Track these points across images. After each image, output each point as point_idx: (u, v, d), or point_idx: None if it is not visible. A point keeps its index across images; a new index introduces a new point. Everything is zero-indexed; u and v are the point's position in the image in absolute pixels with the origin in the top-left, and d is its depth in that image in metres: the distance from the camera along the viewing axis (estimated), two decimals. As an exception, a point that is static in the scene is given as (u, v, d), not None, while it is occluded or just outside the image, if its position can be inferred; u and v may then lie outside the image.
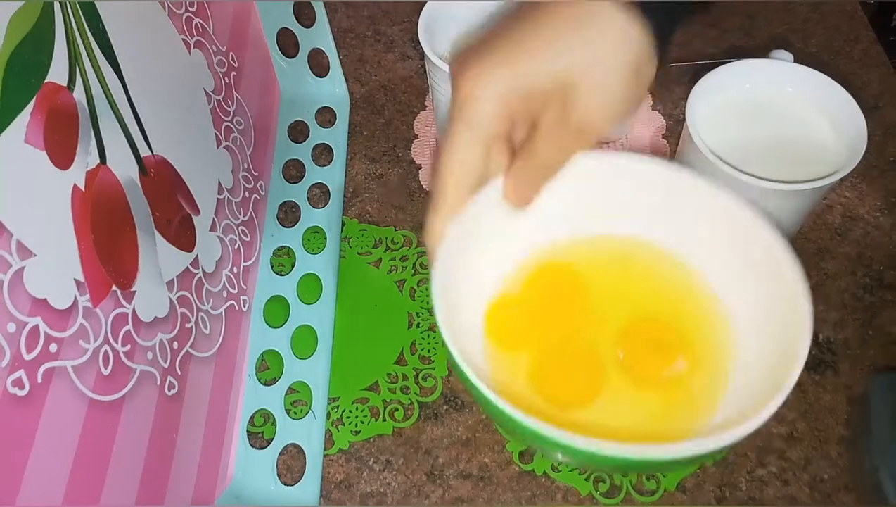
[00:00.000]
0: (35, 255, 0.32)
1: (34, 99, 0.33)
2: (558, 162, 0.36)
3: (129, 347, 0.39)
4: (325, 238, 0.60)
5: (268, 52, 0.65)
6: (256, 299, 0.57)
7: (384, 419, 0.53)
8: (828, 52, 0.68)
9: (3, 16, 0.31)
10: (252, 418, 0.52)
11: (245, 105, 0.59)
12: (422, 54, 0.54)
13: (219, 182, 0.52)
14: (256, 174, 0.60)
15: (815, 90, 0.51)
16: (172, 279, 0.44)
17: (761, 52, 0.54)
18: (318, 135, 0.66)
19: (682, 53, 0.67)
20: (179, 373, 0.44)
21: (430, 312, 0.56)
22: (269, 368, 0.55)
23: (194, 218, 0.48)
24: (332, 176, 0.64)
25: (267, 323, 0.56)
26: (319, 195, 0.63)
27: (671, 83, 0.66)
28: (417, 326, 0.56)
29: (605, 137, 0.62)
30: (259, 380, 0.54)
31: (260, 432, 0.52)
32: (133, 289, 0.40)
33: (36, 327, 0.32)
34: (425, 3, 0.55)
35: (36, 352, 0.32)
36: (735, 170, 0.46)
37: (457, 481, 0.50)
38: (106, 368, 0.37)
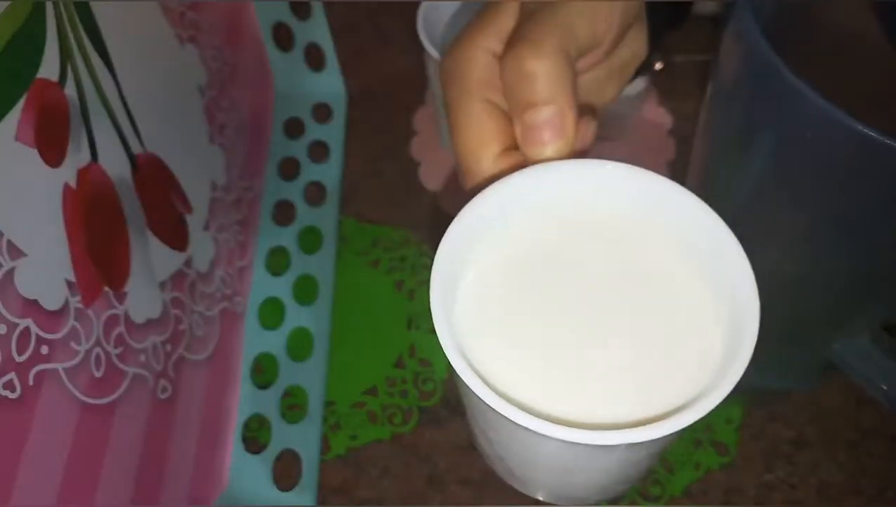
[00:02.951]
0: (26, 255, 0.31)
1: (25, 95, 0.32)
2: None
3: (121, 349, 0.38)
4: (322, 237, 0.60)
5: (263, 47, 0.65)
6: (251, 301, 0.56)
7: (382, 424, 0.52)
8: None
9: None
10: (247, 422, 0.52)
11: (239, 101, 0.58)
12: (421, 48, 0.53)
13: (212, 180, 0.52)
14: (251, 172, 0.59)
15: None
16: (165, 280, 0.44)
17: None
18: (314, 131, 0.66)
19: (688, 47, 0.66)
20: (173, 376, 0.44)
21: (430, 312, 0.55)
22: (264, 371, 0.54)
23: (187, 217, 0.48)
24: (329, 173, 0.63)
25: (262, 325, 0.55)
26: (316, 193, 0.62)
27: (678, 79, 0.65)
28: (417, 328, 0.55)
29: (612, 136, 0.62)
30: (254, 383, 0.53)
31: (255, 436, 0.52)
32: (125, 290, 0.39)
33: (27, 329, 0.31)
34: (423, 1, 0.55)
35: (27, 354, 0.31)
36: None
37: (457, 487, 0.49)
38: (98, 370, 0.36)
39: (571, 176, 0.29)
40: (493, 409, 0.24)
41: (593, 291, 0.28)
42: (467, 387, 0.25)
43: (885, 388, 0.37)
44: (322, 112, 0.67)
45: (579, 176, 0.29)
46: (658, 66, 0.60)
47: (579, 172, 0.29)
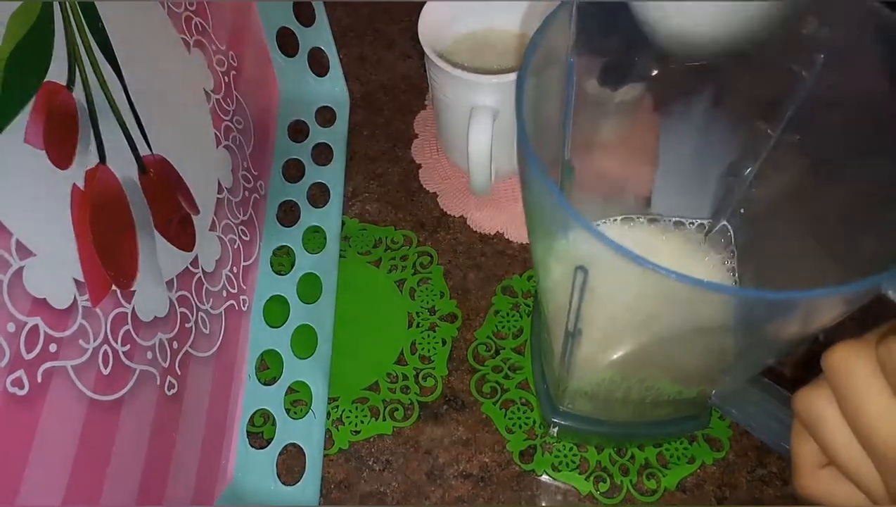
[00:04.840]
0: (35, 254, 0.32)
1: (34, 98, 0.33)
2: None
3: (128, 346, 0.39)
4: (325, 238, 0.60)
5: (267, 52, 0.65)
6: (256, 299, 0.57)
7: (384, 419, 0.53)
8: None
9: (2, 15, 0.31)
10: (252, 417, 0.52)
11: (245, 104, 0.59)
12: (422, 53, 0.53)
13: (218, 182, 0.52)
14: (256, 174, 0.60)
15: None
16: (172, 279, 0.44)
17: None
18: (317, 134, 0.66)
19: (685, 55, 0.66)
20: (179, 373, 0.44)
21: (430, 311, 0.56)
22: (268, 367, 0.55)
23: (194, 218, 0.48)
24: (332, 175, 0.64)
25: (267, 323, 0.56)
26: (319, 195, 0.63)
27: (672, 85, 0.65)
28: (417, 326, 0.56)
29: (607, 141, 0.62)
30: (259, 380, 0.54)
31: (260, 431, 0.52)
32: (133, 289, 0.40)
33: (36, 327, 0.32)
34: (425, 1, 0.55)
35: (36, 352, 0.32)
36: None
37: (457, 481, 0.50)
38: (106, 367, 0.37)
39: None
40: None
41: None
42: None
43: (753, 425, 0.38)
44: (325, 115, 0.67)
45: None
46: (654, 72, 0.60)
47: None
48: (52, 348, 0.33)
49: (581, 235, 0.26)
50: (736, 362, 0.36)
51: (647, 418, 0.46)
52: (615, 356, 0.37)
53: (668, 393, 0.41)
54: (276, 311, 0.57)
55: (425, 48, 0.53)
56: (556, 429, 0.48)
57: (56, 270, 0.33)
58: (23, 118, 0.32)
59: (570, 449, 0.50)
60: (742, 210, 0.48)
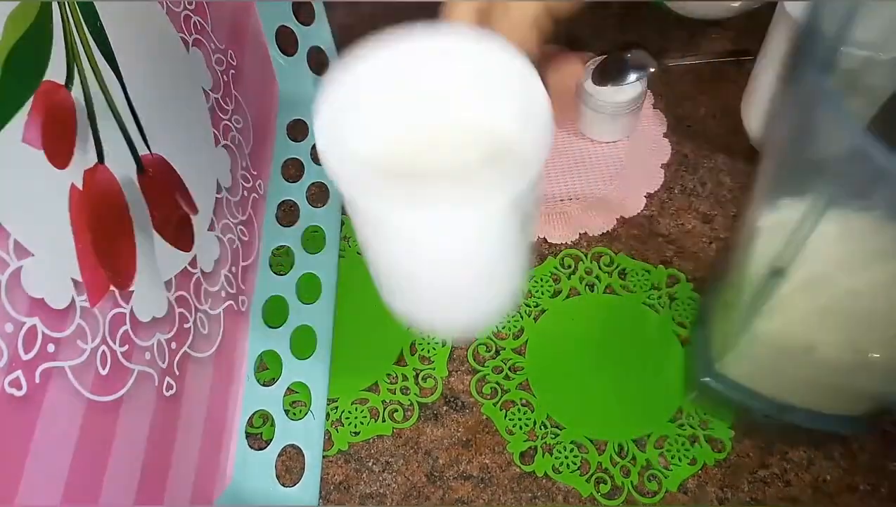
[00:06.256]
0: (33, 254, 0.32)
1: (32, 98, 0.33)
2: None
3: (127, 347, 0.39)
4: (325, 237, 0.60)
5: (267, 51, 0.65)
6: (255, 299, 0.57)
7: (384, 420, 0.52)
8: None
9: (0, 14, 0.31)
10: (251, 418, 0.52)
11: (244, 104, 0.59)
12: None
13: (217, 181, 0.52)
14: (255, 173, 0.60)
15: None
16: (171, 279, 0.44)
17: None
18: (317, 133, 0.66)
19: (683, 52, 0.66)
20: (178, 373, 0.44)
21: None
22: (267, 368, 0.55)
23: (192, 217, 0.48)
24: (332, 175, 0.63)
25: (266, 323, 0.56)
26: (318, 194, 0.63)
27: (673, 82, 0.65)
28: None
29: (608, 139, 0.62)
30: (258, 380, 0.54)
31: (259, 432, 0.52)
32: (131, 289, 0.40)
33: (34, 328, 0.32)
34: (425, 1, 0.55)
35: (34, 352, 0.31)
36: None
37: (457, 482, 0.50)
38: (104, 368, 0.36)
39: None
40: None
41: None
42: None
43: None
44: (325, 114, 0.67)
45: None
46: (652, 69, 0.60)
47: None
48: (51, 348, 0.33)
49: None
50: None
51: (806, 405, 0.44)
52: (824, 301, 0.35)
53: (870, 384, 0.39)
54: (275, 311, 0.57)
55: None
56: (694, 394, 0.46)
57: (54, 270, 0.33)
58: (21, 117, 0.32)
59: (571, 450, 0.50)
60: None
